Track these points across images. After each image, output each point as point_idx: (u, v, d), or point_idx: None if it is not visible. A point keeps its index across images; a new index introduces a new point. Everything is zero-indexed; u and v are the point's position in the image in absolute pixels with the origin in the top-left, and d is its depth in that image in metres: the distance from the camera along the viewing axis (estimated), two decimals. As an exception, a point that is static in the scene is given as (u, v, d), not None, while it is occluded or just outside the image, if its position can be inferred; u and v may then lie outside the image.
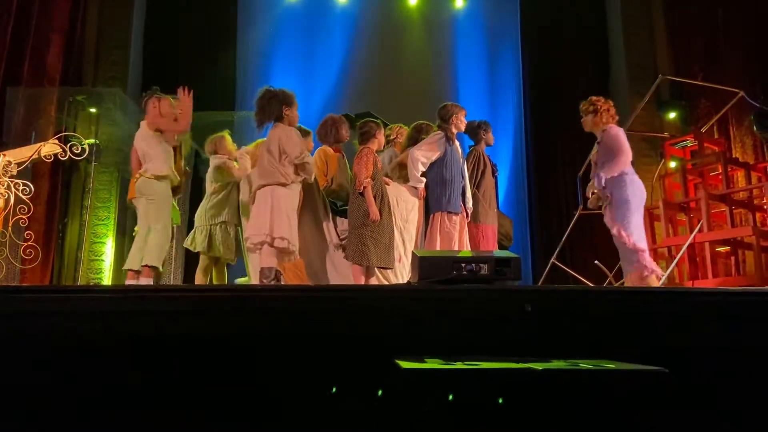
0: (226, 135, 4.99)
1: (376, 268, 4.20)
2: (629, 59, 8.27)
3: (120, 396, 1.94)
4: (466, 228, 4.60)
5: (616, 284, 6.40)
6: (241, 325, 2.08)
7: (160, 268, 4.21)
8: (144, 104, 4.33)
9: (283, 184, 3.88)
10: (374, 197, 4.13)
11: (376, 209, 4.09)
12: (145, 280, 4.08)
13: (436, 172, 4.49)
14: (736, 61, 7.04)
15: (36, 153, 4.57)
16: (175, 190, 4.39)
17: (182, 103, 4.20)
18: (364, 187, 4.11)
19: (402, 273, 4.42)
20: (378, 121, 4.61)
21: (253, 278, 4.41)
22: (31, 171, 5.24)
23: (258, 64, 8.72)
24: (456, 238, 4.43)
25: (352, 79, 8.61)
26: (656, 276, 3.84)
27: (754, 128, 6.27)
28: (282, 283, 3.93)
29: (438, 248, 4.35)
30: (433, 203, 4.52)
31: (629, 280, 3.96)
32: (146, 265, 4.09)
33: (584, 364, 1.74)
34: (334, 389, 1.90)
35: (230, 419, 1.93)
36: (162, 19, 8.47)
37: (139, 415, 1.93)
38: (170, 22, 8.47)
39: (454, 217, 4.45)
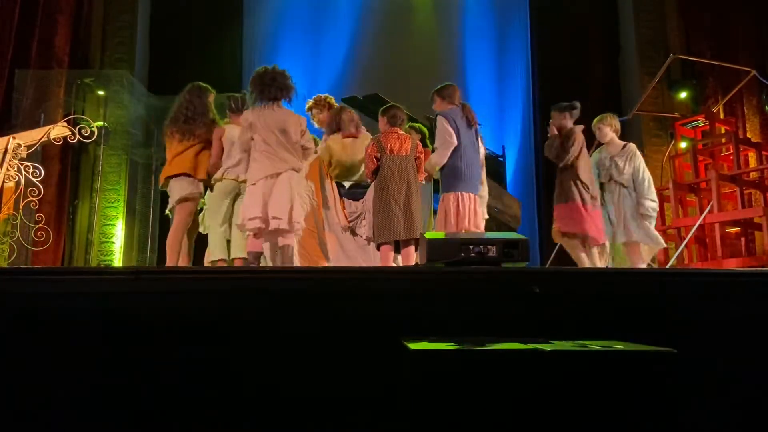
0: None
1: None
2: (639, 38, 8.15)
3: (131, 376, 1.97)
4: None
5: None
6: (250, 306, 2.09)
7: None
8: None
9: (298, 169, 3.90)
10: None
11: None
12: None
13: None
14: (749, 37, 6.93)
15: (45, 136, 4.58)
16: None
17: None
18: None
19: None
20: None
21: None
22: (41, 154, 5.26)
23: (264, 45, 8.68)
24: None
25: (359, 60, 8.55)
26: None
27: (766, 107, 6.20)
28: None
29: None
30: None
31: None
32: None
33: (592, 345, 1.75)
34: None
35: (236, 401, 1.95)
36: (168, 0, 8.44)
37: (151, 395, 1.96)
38: (176, 3, 8.42)
39: None
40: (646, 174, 4.56)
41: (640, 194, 4.50)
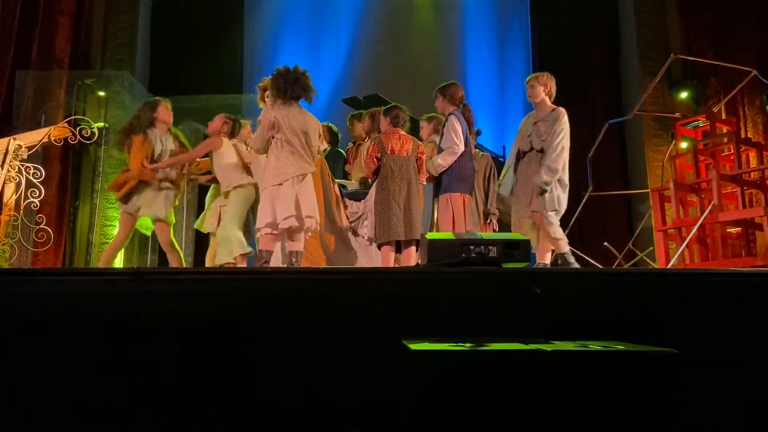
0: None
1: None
2: (640, 38, 8.15)
3: (131, 376, 1.97)
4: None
5: (626, 265, 6.39)
6: (251, 307, 2.09)
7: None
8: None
9: (314, 173, 3.93)
10: None
11: None
12: None
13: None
14: (749, 37, 6.93)
15: (46, 137, 4.60)
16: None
17: None
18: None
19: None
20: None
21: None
22: (42, 155, 5.26)
23: (265, 46, 8.69)
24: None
25: (359, 61, 8.56)
26: None
27: (767, 107, 6.20)
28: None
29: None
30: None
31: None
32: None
33: (594, 346, 1.75)
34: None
35: (237, 402, 1.95)
36: (169, 1, 8.44)
37: (151, 395, 1.96)
38: (177, 4, 8.43)
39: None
40: (563, 142, 3.87)
41: (543, 161, 3.87)
